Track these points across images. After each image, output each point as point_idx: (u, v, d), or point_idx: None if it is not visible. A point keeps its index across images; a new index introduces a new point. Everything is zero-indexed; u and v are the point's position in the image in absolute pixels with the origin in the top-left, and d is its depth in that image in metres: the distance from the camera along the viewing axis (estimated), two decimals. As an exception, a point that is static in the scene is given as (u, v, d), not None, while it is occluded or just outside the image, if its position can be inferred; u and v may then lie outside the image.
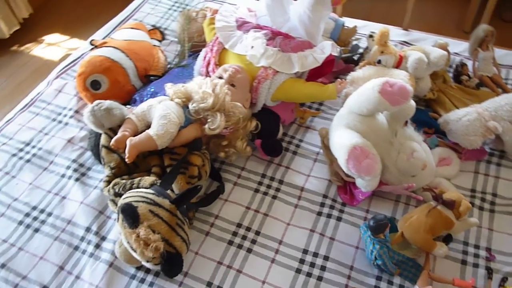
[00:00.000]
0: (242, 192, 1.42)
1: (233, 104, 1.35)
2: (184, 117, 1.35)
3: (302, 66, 1.44)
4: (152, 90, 1.57)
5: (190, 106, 1.35)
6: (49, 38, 3.07)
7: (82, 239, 1.32)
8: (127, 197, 1.19)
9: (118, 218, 1.17)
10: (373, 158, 1.19)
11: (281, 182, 1.44)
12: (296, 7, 1.53)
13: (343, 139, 1.25)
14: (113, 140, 1.30)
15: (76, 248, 1.31)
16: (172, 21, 2.06)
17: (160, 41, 1.89)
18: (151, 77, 1.68)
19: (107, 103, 1.36)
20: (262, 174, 1.46)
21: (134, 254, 1.15)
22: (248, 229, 1.33)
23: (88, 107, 1.36)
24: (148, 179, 1.26)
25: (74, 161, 1.52)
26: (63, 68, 1.87)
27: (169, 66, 1.79)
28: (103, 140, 1.36)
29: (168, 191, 1.23)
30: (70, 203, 1.41)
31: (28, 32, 3.07)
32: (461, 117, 1.42)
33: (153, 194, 1.18)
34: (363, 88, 1.28)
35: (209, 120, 1.34)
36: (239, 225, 1.33)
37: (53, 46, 3.01)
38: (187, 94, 1.37)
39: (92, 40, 1.82)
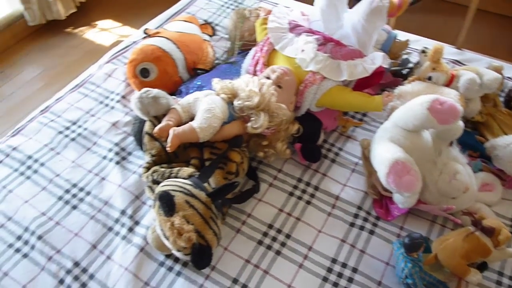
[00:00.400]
0: (277, 194, 1.42)
1: (278, 105, 1.35)
2: (228, 113, 1.36)
3: (350, 75, 1.43)
4: (199, 83, 1.59)
5: (235, 103, 1.36)
6: (102, 23, 3.16)
7: (117, 221, 1.35)
8: (165, 185, 1.21)
9: (154, 205, 1.19)
10: (415, 175, 1.17)
11: (316, 188, 1.44)
12: (351, 15, 1.52)
13: (385, 152, 1.23)
14: (156, 128, 1.33)
15: (110, 229, 1.34)
16: (224, 18, 2.09)
17: (210, 36, 1.91)
18: (198, 71, 1.70)
19: (154, 91, 1.39)
20: (298, 179, 1.46)
21: (166, 242, 1.16)
22: (279, 231, 1.33)
23: (136, 94, 1.39)
24: (187, 170, 1.28)
25: (116, 144, 1.55)
26: (115, 53, 1.92)
27: (216, 61, 1.81)
28: (147, 127, 1.39)
29: (205, 185, 1.24)
30: (108, 185, 1.44)
31: (83, 16, 3.16)
32: (509, 144, 1.38)
33: (190, 185, 1.20)
34: (412, 103, 1.26)
35: (252, 118, 1.34)
36: (270, 226, 1.34)
37: (105, 31, 3.09)
38: (233, 90, 1.39)
39: (146, 29, 1.85)
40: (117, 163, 1.50)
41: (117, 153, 1.53)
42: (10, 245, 1.30)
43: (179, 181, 1.21)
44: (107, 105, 1.70)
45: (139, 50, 1.64)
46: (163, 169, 1.32)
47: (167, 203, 1.13)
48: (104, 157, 1.52)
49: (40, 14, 2.94)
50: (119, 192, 1.42)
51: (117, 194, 1.41)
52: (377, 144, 1.30)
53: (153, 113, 1.39)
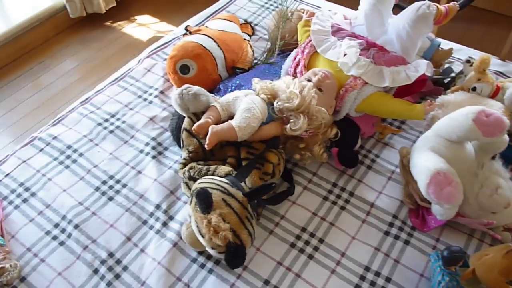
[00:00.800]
0: (311, 197, 1.41)
1: (318, 108, 1.34)
2: (267, 113, 1.36)
3: (393, 81, 1.41)
4: (238, 82, 1.59)
5: (275, 104, 1.36)
6: (141, 18, 3.20)
7: (151, 215, 1.37)
8: (202, 182, 1.21)
9: (190, 201, 1.20)
10: (456, 187, 1.15)
11: (351, 194, 1.42)
12: (395, 21, 1.50)
13: (426, 162, 1.21)
14: (195, 124, 1.34)
15: (145, 222, 1.35)
16: (264, 18, 2.09)
17: (250, 35, 1.92)
18: (237, 70, 1.71)
19: (195, 88, 1.40)
20: (333, 183, 1.45)
21: (200, 239, 1.17)
22: (312, 235, 1.32)
23: (177, 90, 1.40)
24: (224, 169, 1.28)
25: (153, 139, 1.57)
26: (155, 48, 1.94)
27: (255, 61, 1.81)
28: (185, 123, 1.40)
29: (241, 184, 1.24)
30: (144, 179, 1.46)
31: (122, 10, 3.21)
32: (555, 160, 1.34)
33: (227, 184, 1.20)
34: (456, 114, 1.24)
35: (291, 120, 1.34)
36: (303, 230, 1.33)
37: (143, 26, 3.13)
38: (273, 91, 1.39)
39: (187, 26, 1.87)
40: (154, 157, 1.51)
41: (153, 148, 1.54)
42: (48, 232, 1.33)
43: (216, 179, 1.22)
44: (145, 99, 1.72)
45: (180, 47, 1.66)
46: (199, 166, 1.33)
47: (204, 200, 1.13)
48: (141, 151, 1.54)
49: (81, 6, 3.00)
50: (155, 186, 1.43)
51: (152, 188, 1.43)
52: (418, 153, 1.28)
53: (192, 109, 1.40)
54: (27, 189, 1.43)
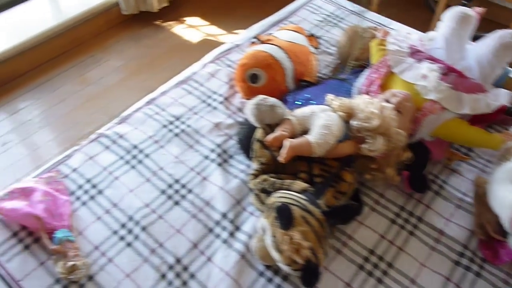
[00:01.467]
0: (379, 219, 1.39)
1: (397, 131, 1.32)
2: (343, 131, 1.34)
3: (472, 109, 1.38)
4: (308, 96, 1.58)
5: (353, 123, 1.34)
6: (190, 20, 3.20)
7: (217, 223, 1.36)
8: (281, 197, 1.20)
9: (267, 215, 1.19)
10: (542, 224, 1.12)
11: (419, 219, 1.40)
12: (476, 48, 1.48)
13: (510, 194, 1.18)
14: (270, 136, 1.33)
15: (211, 230, 1.34)
16: (326, 32, 2.07)
17: (315, 48, 1.90)
18: (303, 83, 1.69)
19: (272, 100, 1.39)
20: (401, 207, 1.42)
21: (275, 254, 1.15)
22: (380, 258, 1.30)
23: (254, 100, 1.39)
24: (300, 184, 1.27)
25: (218, 145, 1.56)
26: (218, 54, 1.94)
27: (321, 75, 1.80)
28: (259, 134, 1.39)
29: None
30: (210, 186, 1.45)
31: (173, 11, 3.22)
32: None
33: (305, 200, 1.19)
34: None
35: (368, 141, 1.32)
36: (371, 252, 1.31)
37: (192, 28, 3.14)
38: (350, 109, 1.37)
39: (258, 35, 1.86)
40: (219, 164, 1.51)
41: (219, 155, 1.54)
42: (115, 232, 1.33)
43: (294, 195, 1.20)
44: (209, 104, 1.71)
45: (251, 55, 1.65)
46: (272, 179, 1.31)
47: (286, 217, 1.12)
48: (206, 157, 1.53)
49: (135, 4, 3.02)
50: (221, 194, 1.42)
51: (219, 196, 1.42)
52: (499, 185, 1.25)
53: (267, 121, 1.39)
54: (94, 186, 1.43)
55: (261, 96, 1.39)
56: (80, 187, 1.43)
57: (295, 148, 1.28)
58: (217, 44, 2.96)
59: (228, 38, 3.02)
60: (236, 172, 1.49)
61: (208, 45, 2.97)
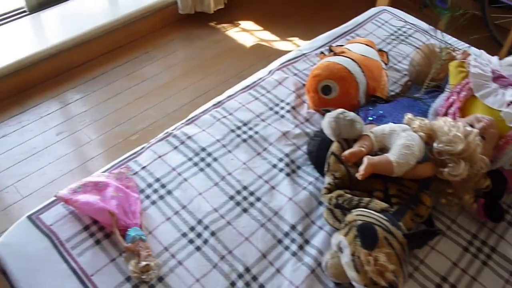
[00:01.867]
0: (450, 245, 1.35)
1: (481, 157, 1.28)
2: (424, 152, 1.31)
3: (559, 141, 1.34)
4: (381, 112, 1.55)
5: (435, 145, 1.30)
6: (244, 24, 3.21)
7: (286, 235, 1.34)
8: (361, 215, 1.17)
9: (346, 232, 1.16)
10: None
11: (493, 250, 1.35)
12: None
13: None
14: (348, 151, 1.30)
15: (280, 241, 1.32)
16: (393, 47, 2.04)
17: (385, 64, 1.87)
18: (374, 98, 1.67)
19: (351, 114, 1.37)
20: (474, 235, 1.38)
21: (350, 273, 1.12)
22: (453, 287, 1.26)
23: (333, 113, 1.37)
24: (380, 204, 1.24)
25: (286, 155, 1.54)
26: (285, 62, 1.92)
27: (391, 92, 1.77)
28: (334, 148, 1.37)
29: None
30: (278, 195, 1.43)
31: (228, 14, 3.23)
32: None
33: (387, 221, 1.16)
34: None
35: (450, 165, 1.28)
36: (444, 279, 1.27)
37: (245, 32, 3.14)
38: (432, 131, 1.33)
39: (331, 46, 1.84)
40: (288, 174, 1.49)
41: (287, 164, 1.52)
42: (184, 234, 1.32)
43: (375, 214, 1.18)
44: (276, 112, 1.70)
45: (325, 67, 1.63)
46: (349, 195, 1.29)
47: (371, 237, 1.09)
48: (274, 166, 1.52)
49: (192, 4, 3.03)
50: (290, 205, 1.40)
51: (287, 207, 1.40)
52: None
53: (344, 135, 1.37)
54: (163, 186, 1.43)
55: (340, 110, 1.37)
56: (149, 185, 1.43)
57: (375, 166, 1.25)
58: (270, 49, 2.98)
59: (281, 45, 3.03)
60: (305, 184, 1.46)
61: (260, 50, 2.98)
